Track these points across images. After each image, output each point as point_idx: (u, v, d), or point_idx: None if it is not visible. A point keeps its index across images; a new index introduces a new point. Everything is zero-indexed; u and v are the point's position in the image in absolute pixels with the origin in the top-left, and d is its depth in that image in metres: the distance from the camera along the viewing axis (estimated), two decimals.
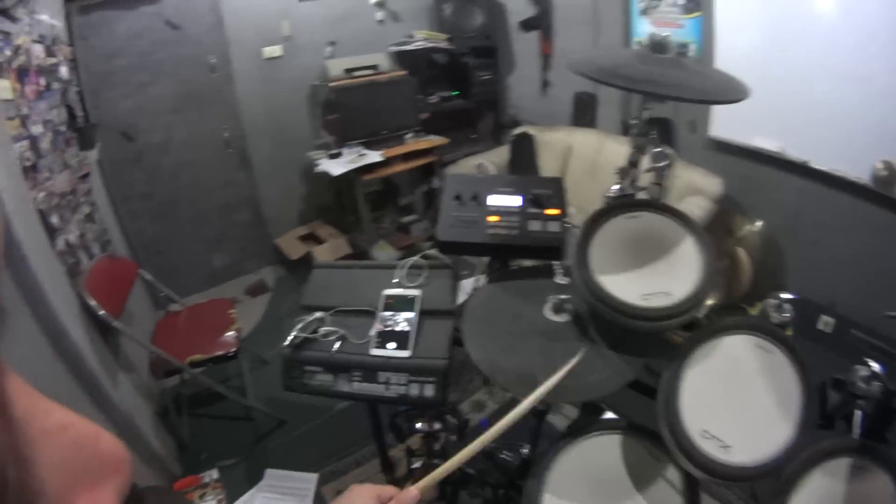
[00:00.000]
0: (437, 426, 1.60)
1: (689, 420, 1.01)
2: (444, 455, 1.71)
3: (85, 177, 2.52)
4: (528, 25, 4.08)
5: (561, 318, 1.24)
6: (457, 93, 4.40)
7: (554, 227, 1.40)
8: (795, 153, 2.78)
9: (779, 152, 2.84)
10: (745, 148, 3.02)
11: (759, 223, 3.08)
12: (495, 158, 4.12)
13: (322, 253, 3.89)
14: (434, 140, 3.97)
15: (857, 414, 1.03)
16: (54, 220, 1.99)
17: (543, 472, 1.16)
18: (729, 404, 1.03)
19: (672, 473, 1.09)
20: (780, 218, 3.00)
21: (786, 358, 1.04)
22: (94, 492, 0.34)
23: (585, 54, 1.38)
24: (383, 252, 4.02)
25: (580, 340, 1.17)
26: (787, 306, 1.14)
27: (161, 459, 2.29)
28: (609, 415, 1.32)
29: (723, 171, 3.08)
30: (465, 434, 1.63)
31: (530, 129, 4.08)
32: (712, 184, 3.04)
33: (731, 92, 1.13)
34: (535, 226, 1.40)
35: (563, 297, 1.22)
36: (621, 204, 1.28)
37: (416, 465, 1.76)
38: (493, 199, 1.48)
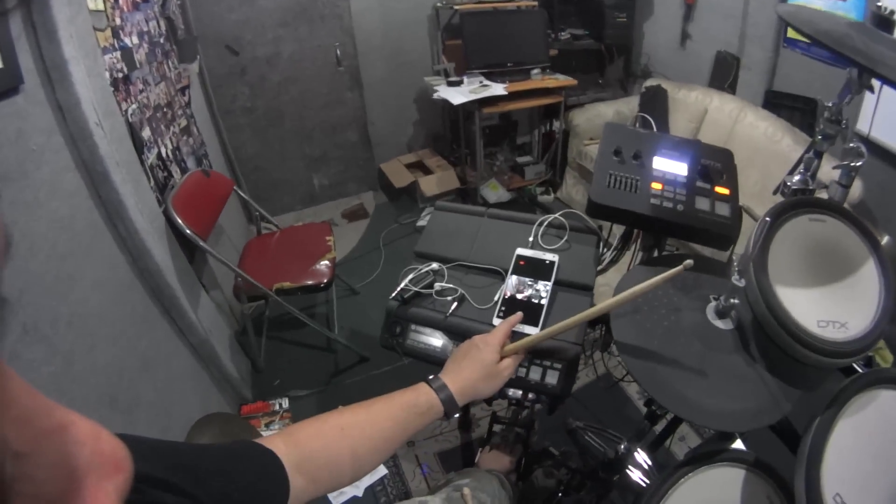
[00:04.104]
0: (530, 395, 1.38)
1: (827, 480, 0.86)
2: (531, 426, 1.63)
3: (184, 89, 2.45)
4: None
5: (724, 325, 1.03)
6: (588, 32, 4.03)
7: (723, 209, 1.18)
8: None
9: None
10: (891, 152, 2.55)
11: (886, 238, 2.59)
12: (623, 108, 3.77)
13: (429, 184, 3.78)
14: (562, 80, 3.64)
15: None
16: (146, 133, 1.92)
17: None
18: (877, 476, 0.86)
19: None
20: None
21: None
22: (94, 491, 0.33)
23: (795, 8, 1.03)
24: (493, 192, 3.87)
25: (740, 354, 0.99)
26: None
27: (233, 382, 2.28)
28: (738, 444, 1.13)
29: (861, 173, 2.56)
30: (557, 408, 1.43)
31: (664, 83, 3.63)
32: (852, 185, 2.54)
33: None
34: (703, 203, 1.18)
35: (733, 300, 1.00)
36: (811, 201, 1.04)
37: (497, 429, 1.68)
38: (659, 163, 1.25)
